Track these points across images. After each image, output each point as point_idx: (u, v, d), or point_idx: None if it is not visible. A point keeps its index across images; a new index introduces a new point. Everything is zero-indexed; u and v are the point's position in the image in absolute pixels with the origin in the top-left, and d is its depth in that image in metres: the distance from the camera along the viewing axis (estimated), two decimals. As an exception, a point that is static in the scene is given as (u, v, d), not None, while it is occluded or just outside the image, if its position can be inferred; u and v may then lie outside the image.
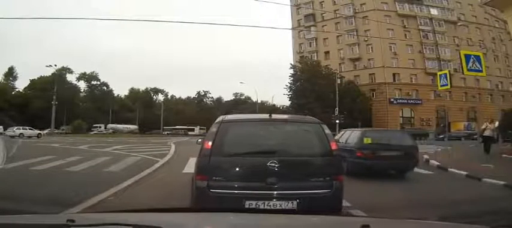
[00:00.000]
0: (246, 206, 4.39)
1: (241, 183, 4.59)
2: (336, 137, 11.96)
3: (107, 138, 43.04)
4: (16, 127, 41.80)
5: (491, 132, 15.39)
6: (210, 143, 4.70)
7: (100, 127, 67.06)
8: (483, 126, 15.85)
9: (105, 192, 7.00)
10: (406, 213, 5.55)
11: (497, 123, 16.97)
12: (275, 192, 4.52)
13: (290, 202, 4.50)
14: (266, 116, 5.35)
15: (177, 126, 71.39)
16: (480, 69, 16.64)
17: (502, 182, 8.65)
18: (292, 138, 5.11)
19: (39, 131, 43.23)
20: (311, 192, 4.62)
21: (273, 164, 4.53)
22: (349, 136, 11.86)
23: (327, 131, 5.01)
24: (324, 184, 4.69)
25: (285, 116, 6.40)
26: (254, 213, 2.32)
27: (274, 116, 5.38)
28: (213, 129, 4.84)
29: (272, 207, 4.44)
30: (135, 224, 1.72)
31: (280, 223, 2.15)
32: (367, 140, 11.04)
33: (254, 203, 4.43)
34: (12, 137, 37.29)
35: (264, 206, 4.45)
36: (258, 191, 4.50)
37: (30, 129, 42.96)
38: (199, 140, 6.52)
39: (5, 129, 38.48)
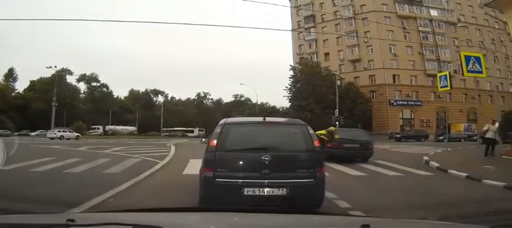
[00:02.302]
0: (245, 193, 5.28)
1: (240, 173, 5.46)
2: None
3: (108, 139, 43.10)
4: (57, 130, 45.84)
5: (494, 134, 15.23)
6: (215, 141, 5.59)
7: (98, 128, 67.01)
8: (485, 128, 15.67)
9: (105, 193, 6.94)
10: (406, 214, 5.54)
11: (496, 124, 16.87)
12: (268, 181, 5.35)
13: (280, 189, 5.36)
14: (261, 118, 6.28)
15: (176, 128, 71.44)
16: (480, 70, 16.68)
17: (502, 183, 8.60)
18: (282, 137, 6.02)
19: (77, 134, 46.99)
20: (298, 181, 5.48)
21: (266, 158, 5.42)
22: None
23: (311, 131, 5.91)
24: (308, 174, 5.56)
25: (276, 119, 7.30)
26: (254, 213, 2.32)
27: (267, 119, 6.30)
28: (217, 130, 5.74)
29: (266, 194, 5.33)
30: (135, 224, 1.72)
31: (280, 222, 2.15)
32: (335, 136, 15.28)
33: (251, 190, 5.30)
34: (53, 138, 40.45)
35: (260, 192, 5.31)
36: (254, 180, 5.36)
37: (70, 131, 46.84)
38: (204, 140, 7.07)
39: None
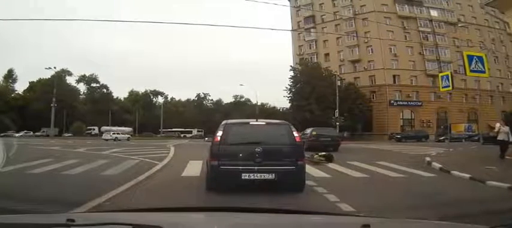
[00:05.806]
0: (242, 177, 6.82)
1: (239, 162, 6.93)
2: (307, 131, 24.05)
3: (107, 140, 43.01)
4: (112, 132, 51.80)
5: (505, 135, 14.71)
6: (218, 138, 7.14)
7: (94, 129, 66.92)
8: (496, 129, 15.32)
9: (102, 196, 6.73)
10: (409, 217, 5.49)
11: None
12: (259, 167, 6.87)
13: (270, 174, 6.88)
14: (254, 120, 8.00)
15: (174, 129, 71.37)
16: (483, 70, 16.54)
17: (506, 185, 8.44)
18: (270, 134, 7.64)
19: (128, 135, 52.85)
20: (283, 168, 7.00)
21: (259, 150, 6.97)
22: (309, 131, 23.88)
23: (293, 129, 7.54)
24: (291, 163, 7.11)
25: (266, 120, 8.72)
26: (254, 213, 2.29)
27: (259, 120, 8.04)
28: (220, 128, 7.34)
29: (259, 178, 6.86)
30: (135, 224, 1.69)
31: (280, 222, 2.12)
32: (314, 133, 23.24)
33: (247, 174, 6.84)
34: (107, 140, 43.94)
35: (254, 176, 6.84)
36: (249, 167, 6.86)
37: (122, 134, 52.00)
38: (206, 139, 9.76)
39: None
